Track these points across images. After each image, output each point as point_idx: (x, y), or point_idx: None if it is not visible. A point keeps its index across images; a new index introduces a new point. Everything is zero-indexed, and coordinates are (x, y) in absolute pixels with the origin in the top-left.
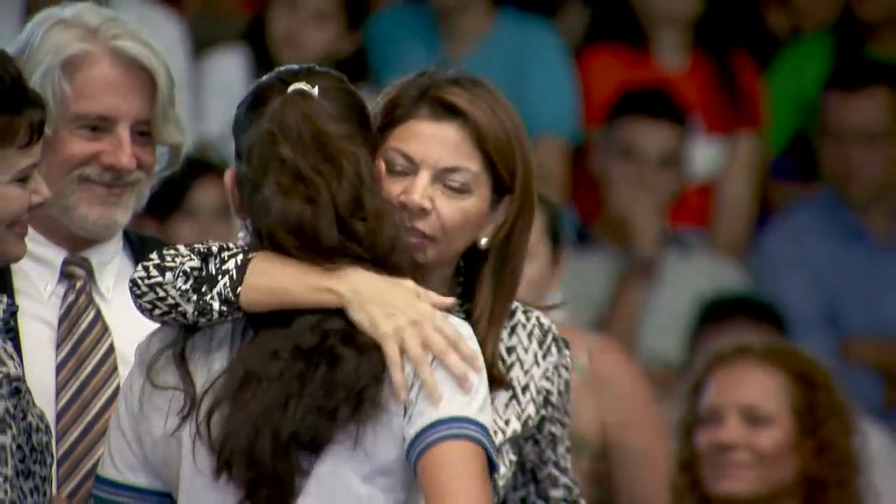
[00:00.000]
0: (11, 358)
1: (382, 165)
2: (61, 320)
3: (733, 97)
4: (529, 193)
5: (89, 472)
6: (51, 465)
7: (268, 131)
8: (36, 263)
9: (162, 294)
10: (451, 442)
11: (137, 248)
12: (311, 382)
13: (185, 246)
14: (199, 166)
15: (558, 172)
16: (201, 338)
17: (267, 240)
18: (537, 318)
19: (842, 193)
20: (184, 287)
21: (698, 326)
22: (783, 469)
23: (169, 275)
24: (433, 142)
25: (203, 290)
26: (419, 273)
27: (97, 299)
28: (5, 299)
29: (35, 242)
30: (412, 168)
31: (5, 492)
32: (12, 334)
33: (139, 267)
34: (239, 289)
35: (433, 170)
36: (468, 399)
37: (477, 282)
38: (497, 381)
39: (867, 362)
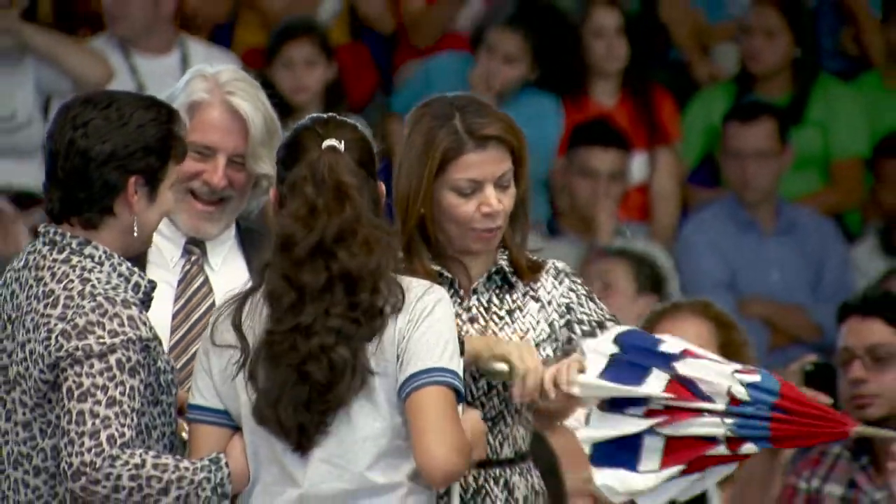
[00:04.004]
0: (144, 324)
1: (451, 198)
2: (179, 282)
3: (652, 122)
4: (526, 157)
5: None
6: (175, 395)
7: (302, 176)
8: (167, 241)
9: None
10: (428, 388)
11: (244, 236)
12: (335, 306)
13: None
14: None
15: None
16: (250, 304)
17: (275, 238)
18: (553, 263)
19: (739, 196)
20: None
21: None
22: None
23: None
24: (486, 164)
25: None
26: (395, 291)
27: (207, 270)
28: (147, 278)
29: (167, 226)
30: (477, 186)
31: (132, 419)
32: (149, 304)
33: None
34: None
35: (492, 181)
36: (440, 352)
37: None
38: (531, 271)
39: (756, 317)
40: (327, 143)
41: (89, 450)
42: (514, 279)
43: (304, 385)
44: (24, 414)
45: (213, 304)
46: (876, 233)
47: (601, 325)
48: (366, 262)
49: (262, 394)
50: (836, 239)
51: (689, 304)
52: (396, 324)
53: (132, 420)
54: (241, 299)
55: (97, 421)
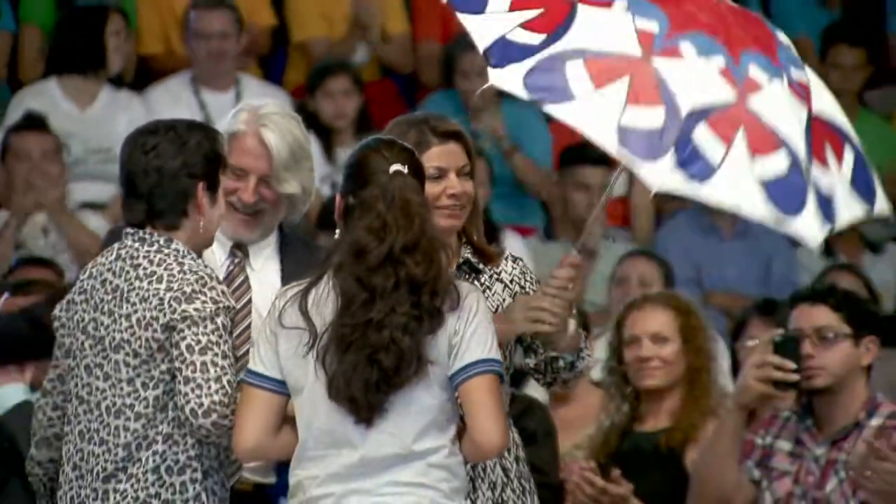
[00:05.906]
0: (229, 297)
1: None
2: (224, 279)
3: None
4: (475, 158)
5: None
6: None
7: (374, 195)
8: (217, 245)
9: None
10: (481, 377)
11: (284, 241)
12: (401, 305)
13: None
14: None
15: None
16: (315, 294)
17: (347, 244)
18: (510, 251)
19: (703, 207)
20: None
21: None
22: (678, 367)
23: None
24: (449, 155)
25: None
26: (451, 293)
27: (248, 269)
28: (211, 268)
29: (218, 232)
30: (442, 173)
31: (233, 371)
32: None
33: None
34: None
35: (455, 169)
36: (489, 345)
37: (467, 223)
38: (494, 257)
39: (718, 306)
40: (395, 167)
41: (216, 391)
42: (480, 266)
43: (373, 369)
44: (127, 372)
45: (250, 298)
46: None
47: None
48: (428, 270)
49: (335, 374)
50: (784, 242)
51: (657, 296)
52: (449, 320)
53: (233, 372)
54: (306, 288)
55: (217, 369)
